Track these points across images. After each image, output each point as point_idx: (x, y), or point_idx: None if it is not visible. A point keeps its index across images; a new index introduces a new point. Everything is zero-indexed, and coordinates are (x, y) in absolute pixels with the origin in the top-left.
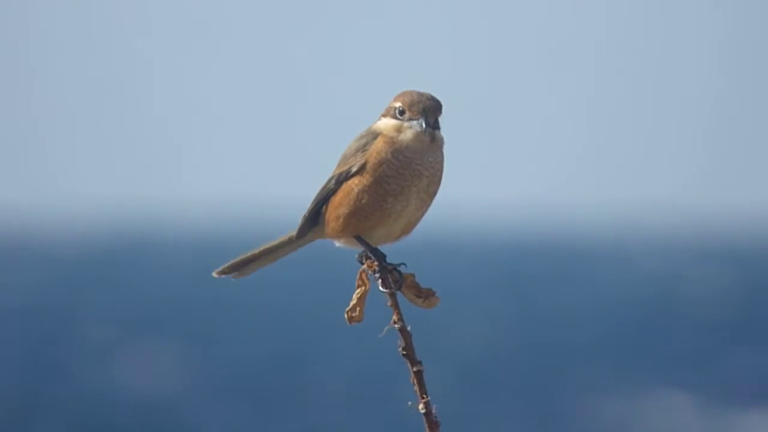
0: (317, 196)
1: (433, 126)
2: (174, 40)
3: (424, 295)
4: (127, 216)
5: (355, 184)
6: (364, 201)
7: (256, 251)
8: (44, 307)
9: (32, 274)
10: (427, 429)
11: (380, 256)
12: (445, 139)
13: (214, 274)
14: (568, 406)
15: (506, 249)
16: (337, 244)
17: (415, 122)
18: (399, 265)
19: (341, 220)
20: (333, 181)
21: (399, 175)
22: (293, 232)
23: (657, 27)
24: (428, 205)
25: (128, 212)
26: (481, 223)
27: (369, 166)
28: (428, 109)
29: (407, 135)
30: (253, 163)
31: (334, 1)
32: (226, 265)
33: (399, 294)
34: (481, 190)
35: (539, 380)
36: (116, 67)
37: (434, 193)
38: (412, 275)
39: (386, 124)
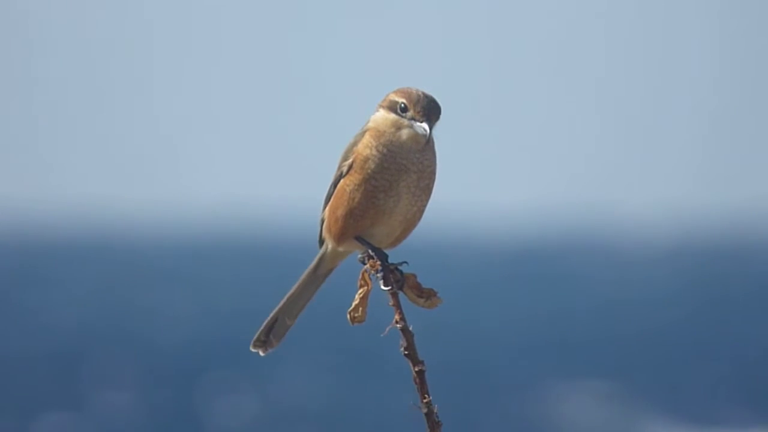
0: (324, 200)
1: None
2: (173, 40)
3: (426, 295)
4: (128, 217)
5: (346, 184)
6: (356, 200)
7: (282, 303)
8: None
9: None
10: (428, 429)
11: (382, 256)
12: (433, 137)
13: (251, 348)
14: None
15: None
16: (340, 249)
17: (417, 124)
18: (401, 264)
19: (340, 222)
20: (331, 185)
21: (384, 169)
22: (311, 265)
23: (658, 28)
24: (423, 201)
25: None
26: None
27: (356, 164)
28: (432, 112)
29: (406, 133)
30: (251, 164)
31: (334, 2)
32: (259, 331)
33: (401, 294)
34: (482, 191)
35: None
36: (115, 67)
37: (427, 188)
38: (414, 275)
39: (384, 117)
